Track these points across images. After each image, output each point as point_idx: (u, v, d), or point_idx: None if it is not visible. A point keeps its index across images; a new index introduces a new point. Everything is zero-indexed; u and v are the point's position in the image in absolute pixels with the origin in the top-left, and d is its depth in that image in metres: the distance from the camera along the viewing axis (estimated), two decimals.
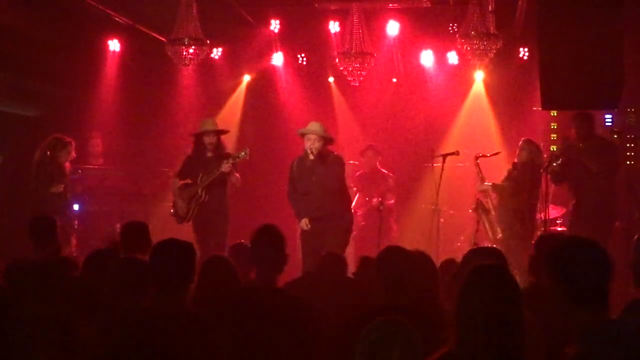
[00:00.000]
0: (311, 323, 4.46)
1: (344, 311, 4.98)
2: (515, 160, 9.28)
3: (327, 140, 8.61)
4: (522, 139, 9.40)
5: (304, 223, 8.52)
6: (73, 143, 9.41)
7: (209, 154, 9.16)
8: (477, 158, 9.45)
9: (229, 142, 10.48)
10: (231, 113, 12.30)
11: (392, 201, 11.00)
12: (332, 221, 8.50)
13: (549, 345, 3.95)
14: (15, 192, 9.44)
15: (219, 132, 9.28)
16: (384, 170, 11.13)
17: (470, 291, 3.13)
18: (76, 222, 9.60)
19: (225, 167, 8.89)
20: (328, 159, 8.55)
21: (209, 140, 9.15)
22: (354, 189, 10.57)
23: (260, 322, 4.34)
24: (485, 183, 9.37)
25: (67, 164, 9.46)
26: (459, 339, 3.08)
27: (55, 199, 9.08)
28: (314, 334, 4.44)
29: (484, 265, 3.28)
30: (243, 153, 9.01)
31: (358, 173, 11.20)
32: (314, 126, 8.61)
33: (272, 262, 4.54)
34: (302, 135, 8.63)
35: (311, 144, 8.48)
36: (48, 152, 9.24)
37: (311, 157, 8.48)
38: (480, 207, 9.28)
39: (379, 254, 4.64)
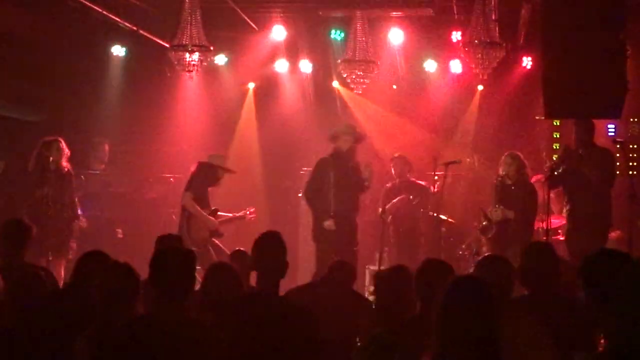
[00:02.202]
0: (313, 330, 4.45)
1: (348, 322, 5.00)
2: (503, 173, 9.13)
3: (358, 140, 9.16)
4: (506, 153, 9.23)
5: (331, 223, 8.86)
6: (60, 140, 9.22)
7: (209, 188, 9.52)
8: (496, 187, 9.31)
9: (253, 151, 10.87)
10: (248, 127, 12.38)
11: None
12: (351, 220, 9.09)
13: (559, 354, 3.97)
14: (17, 197, 9.42)
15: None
16: (420, 182, 10.64)
17: (448, 303, 3.15)
18: (82, 223, 9.54)
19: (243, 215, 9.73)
20: (358, 160, 9.13)
21: (221, 175, 9.50)
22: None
23: (261, 329, 4.33)
24: (500, 210, 9.02)
25: (65, 165, 9.26)
26: (438, 349, 3.10)
27: (40, 204, 8.94)
28: (315, 342, 4.43)
29: (462, 277, 3.32)
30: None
31: (388, 185, 10.67)
32: (351, 127, 9.18)
33: (274, 268, 4.54)
34: (339, 135, 9.05)
35: (352, 143, 9.01)
36: (38, 157, 9.15)
37: (350, 155, 8.99)
38: (485, 220, 9.19)
39: (420, 265, 4.52)
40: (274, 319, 4.38)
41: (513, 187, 9.09)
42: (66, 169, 9.27)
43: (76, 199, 9.52)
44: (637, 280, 3.11)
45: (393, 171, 10.54)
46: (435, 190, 9.80)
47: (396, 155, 10.72)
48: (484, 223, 9.01)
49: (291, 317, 4.44)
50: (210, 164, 9.43)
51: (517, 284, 4.77)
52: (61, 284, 7.11)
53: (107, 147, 11.36)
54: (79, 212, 9.61)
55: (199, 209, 9.19)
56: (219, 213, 9.50)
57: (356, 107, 12.12)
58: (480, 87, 11.71)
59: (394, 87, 11.99)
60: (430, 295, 4.36)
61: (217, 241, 9.35)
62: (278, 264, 4.56)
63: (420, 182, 10.65)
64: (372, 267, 10.01)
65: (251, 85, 12.45)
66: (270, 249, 4.60)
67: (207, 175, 9.38)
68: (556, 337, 4.14)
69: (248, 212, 9.85)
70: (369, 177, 9.06)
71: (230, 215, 9.75)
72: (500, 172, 9.18)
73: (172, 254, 4.12)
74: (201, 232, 9.21)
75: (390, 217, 10.23)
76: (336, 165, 8.99)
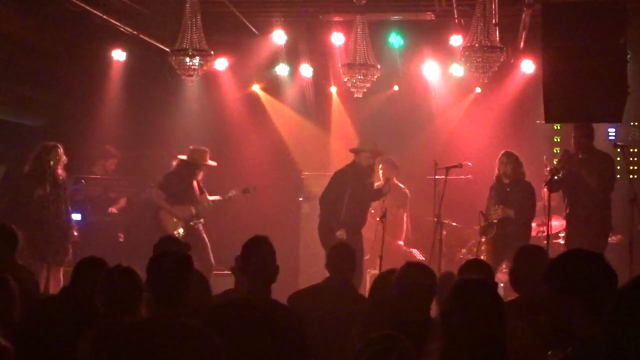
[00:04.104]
0: (302, 335, 4.45)
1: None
2: (500, 173, 9.17)
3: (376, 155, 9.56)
4: (502, 152, 9.26)
5: (342, 233, 9.15)
6: (59, 146, 9.23)
7: (195, 183, 10.08)
8: (493, 187, 9.32)
9: (254, 154, 11.93)
10: (250, 130, 12.40)
11: (406, 218, 10.94)
12: (360, 231, 9.51)
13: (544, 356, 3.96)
14: (16, 200, 9.41)
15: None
16: (401, 185, 10.82)
17: (454, 304, 3.15)
18: (75, 232, 9.53)
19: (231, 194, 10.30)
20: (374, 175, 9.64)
21: (199, 170, 10.09)
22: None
23: (253, 334, 4.33)
24: (500, 209, 9.05)
25: (61, 172, 9.24)
26: (443, 351, 3.10)
27: (37, 206, 8.95)
28: (304, 346, 4.43)
29: (467, 279, 3.31)
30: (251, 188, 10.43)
31: (375, 185, 10.63)
32: (373, 144, 9.50)
33: (264, 273, 4.53)
34: (361, 150, 9.45)
35: (371, 159, 9.43)
36: (37, 160, 9.15)
37: (369, 172, 9.44)
38: (485, 221, 9.18)
39: (400, 269, 4.47)
40: (264, 323, 4.38)
41: (510, 186, 9.10)
42: (61, 177, 9.26)
43: (70, 209, 9.49)
44: (609, 279, 3.12)
45: (381, 174, 10.56)
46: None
47: (384, 158, 10.76)
48: (483, 224, 9.02)
49: (281, 321, 4.43)
50: (187, 161, 10.02)
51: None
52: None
53: (116, 162, 11.43)
54: (73, 222, 9.64)
55: (163, 202, 9.94)
56: (209, 197, 10.24)
57: (353, 111, 12.12)
58: (478, 89, 11.71)
59: (396, 88, 12.01)
60: (414, 299, 4.36)
61: (200, 227, 10.05)
62: (267, 268, 4.55)
63: (402, 186, 10.83)
64: (373, 271, 10.01)
65: (255, 88, 12.46)
66: (259, 253, 4.58)
67: (186, 170, 10.03)
68: (546, 339, 4.14)
69: (242, 190, 10.35)
70: (387, 192, 9.64)
71: (218, 197, 10.36)
72: (497, 171, 9.20)
73: (168, 259, 4.08)
74: (172, 223, 9.94)
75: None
76: (354, 180, 9.35)
